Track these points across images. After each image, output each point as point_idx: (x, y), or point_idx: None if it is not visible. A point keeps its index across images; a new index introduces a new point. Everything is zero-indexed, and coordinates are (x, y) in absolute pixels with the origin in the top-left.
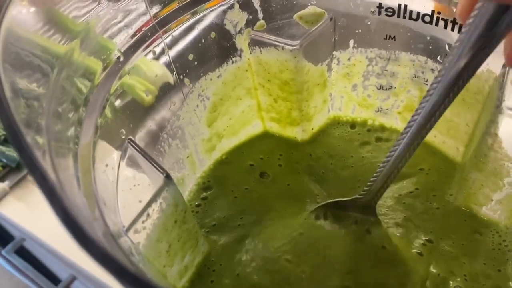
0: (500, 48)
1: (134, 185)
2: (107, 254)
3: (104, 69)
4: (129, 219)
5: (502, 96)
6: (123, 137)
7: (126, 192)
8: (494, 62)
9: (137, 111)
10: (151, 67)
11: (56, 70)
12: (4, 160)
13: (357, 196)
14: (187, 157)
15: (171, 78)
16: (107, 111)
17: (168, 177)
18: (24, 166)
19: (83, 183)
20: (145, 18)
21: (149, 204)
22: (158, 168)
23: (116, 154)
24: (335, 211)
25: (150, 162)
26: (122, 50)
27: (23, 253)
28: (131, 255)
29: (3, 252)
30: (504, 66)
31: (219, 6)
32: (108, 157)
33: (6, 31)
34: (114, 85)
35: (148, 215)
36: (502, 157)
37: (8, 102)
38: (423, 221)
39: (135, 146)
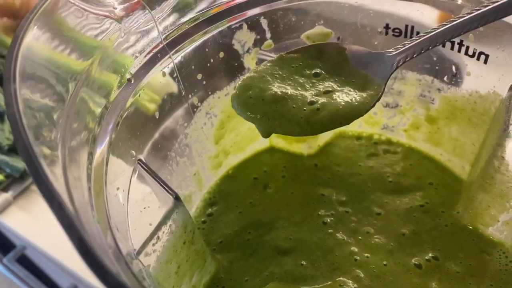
0: (508, 68)
1: (145, 208)
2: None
3: (119, 86)
4: (140, 242)
5: (509, 120)
6: (133, 158)
7: (136, 214)
8: (500, 85)
9: (146, 130)
10: (154, 76)
11: (73, 86)
12: (8, 170)
13: (382, 51)
14: (194, 174)
15: (174, 87)
16: (119, 130)
17: (177, 198)
18: (42, 195)
19: (96, 208)
20: (155, 41)
21: (159, 227)
22: (168, 189)
23: (126, 176)
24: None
25: (160, 184)
26: (133, 71)
27: (25, 262)
28: (143, 280)
29: (4, 260)
30: (510, 88)
31: (228, 27)
32: (119, 179)
33: (25, 48)
34: (127, 103)
35: (158, 237)
36: (509, 179)
37: (26, 129)
38: (431, 238)
39: (145, 167)
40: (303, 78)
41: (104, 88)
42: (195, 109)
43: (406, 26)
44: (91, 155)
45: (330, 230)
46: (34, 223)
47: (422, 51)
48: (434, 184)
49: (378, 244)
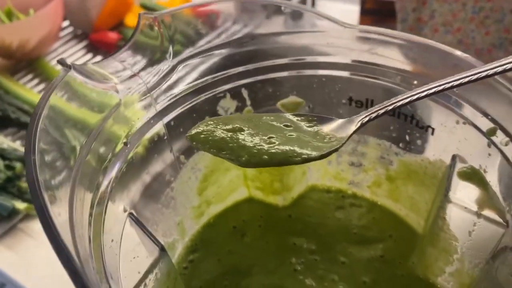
0: (449, 141)
1: (134, 257)
2: None
3: (118, 149)
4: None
5: (449, 187)
6: (125, 212)
7: (127, 263)
8: (445, 154)
9: (138, 187)
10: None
11: (84, 140)
12: None
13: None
14: (178, 224)
15: (164, 148)
16: (115, 187)
17: (162, 249)
18: (52, 247)
19: (95, 259)
20: (150, 109)
21: (146, 275)
22: (155, 241)
23: (119, 228)
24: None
25: (148, 235)
26: (129, 136)
27: None
28: None
29: None
30: (453, 158)
31: (213, 95)
32: (113, 231)
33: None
34: (123, 164)
35: (145, 284)
36: (450, 237)
37: (41, 190)
38: (389, 286)
39: (135, 220)
40: (270, 125)
41: (113, 140)
42: (181, 165)
43: (367, 100)
44: (92, 208)
45: (300, 277)
46: (19, 261)
47: (381, 113)
48: (394, 236)
49: None
